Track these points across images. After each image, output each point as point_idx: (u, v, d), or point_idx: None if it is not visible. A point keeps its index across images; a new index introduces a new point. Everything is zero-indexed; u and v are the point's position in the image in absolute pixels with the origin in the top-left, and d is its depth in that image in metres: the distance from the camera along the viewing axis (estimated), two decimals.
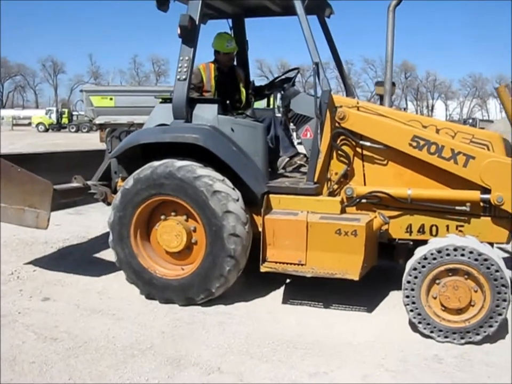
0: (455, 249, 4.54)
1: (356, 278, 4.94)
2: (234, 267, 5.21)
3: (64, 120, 60.56)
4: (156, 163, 5.36)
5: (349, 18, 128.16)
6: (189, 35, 5.51)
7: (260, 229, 5.27)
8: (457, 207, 5.04)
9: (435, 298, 4.64)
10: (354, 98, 6.00)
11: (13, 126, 58.26)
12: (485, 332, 4.52)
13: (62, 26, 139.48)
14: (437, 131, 5.18)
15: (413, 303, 4.66)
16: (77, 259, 6.98)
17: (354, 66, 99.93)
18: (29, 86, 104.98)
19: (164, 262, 5.57)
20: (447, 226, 5.17)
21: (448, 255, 4.55)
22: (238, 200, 5.23)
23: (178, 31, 5.49)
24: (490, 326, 4.51)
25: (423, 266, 4.62)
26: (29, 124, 62.15)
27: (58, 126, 59.12)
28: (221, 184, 5.21)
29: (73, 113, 64.17)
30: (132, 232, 5.50)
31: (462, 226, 5.14)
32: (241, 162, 5.39)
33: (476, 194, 4.98)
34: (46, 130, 57.06)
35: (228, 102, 6.09)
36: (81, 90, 38.12)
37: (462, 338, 4.56)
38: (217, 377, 4.00)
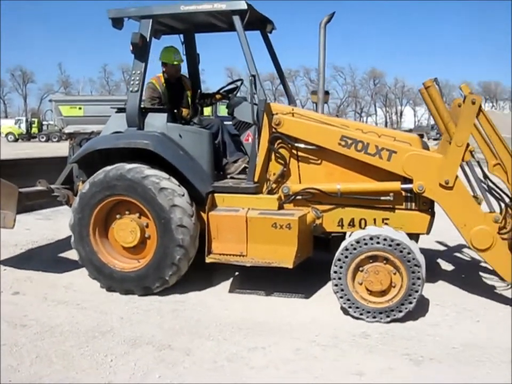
0: (371, 238, 5.09)
1: (290, 266, 5.41)
2: (184, 256, 5.70)
3: (34, 130, 59.99)
4: (108, 167, 5.85)
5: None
6: (140, 51, 6.00)
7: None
8: (382, 198, 5.62)
9: (360, 284, 5.16)
10: (292, 106, 6.47)
11: None
12: (406, 308, 5.06)
13: (30, 35, 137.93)
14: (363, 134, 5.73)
15: (342, 290, 5.18)
16: (45, 259, 7.40)
17: None
18: None
19: (122, 257, 6.04)
20: (374, 219, 5.74)
21: (366, 244, 5.10)
22: (183, 195, 5.72)
23: (131, 48, 5.99)
24: (410, 303, 5.06)
25: (346, 257, 5.16)
26: None
27: (28, 136, 58.57)
28: (167, 181, 5.70)
29: (43, 122, 63.54)
30: (91, 231, 5.95)
31: (387, 219, 5.71)
32: (187, 165, 5.88)
33: (397, 185, 5.57)
34: (16, 140, 56.51)
35: (176, 110, 6.51)
36: (50, 100, 38.01)
37: (388, 316, 5.09)
38: (168, 353, 4.51)
